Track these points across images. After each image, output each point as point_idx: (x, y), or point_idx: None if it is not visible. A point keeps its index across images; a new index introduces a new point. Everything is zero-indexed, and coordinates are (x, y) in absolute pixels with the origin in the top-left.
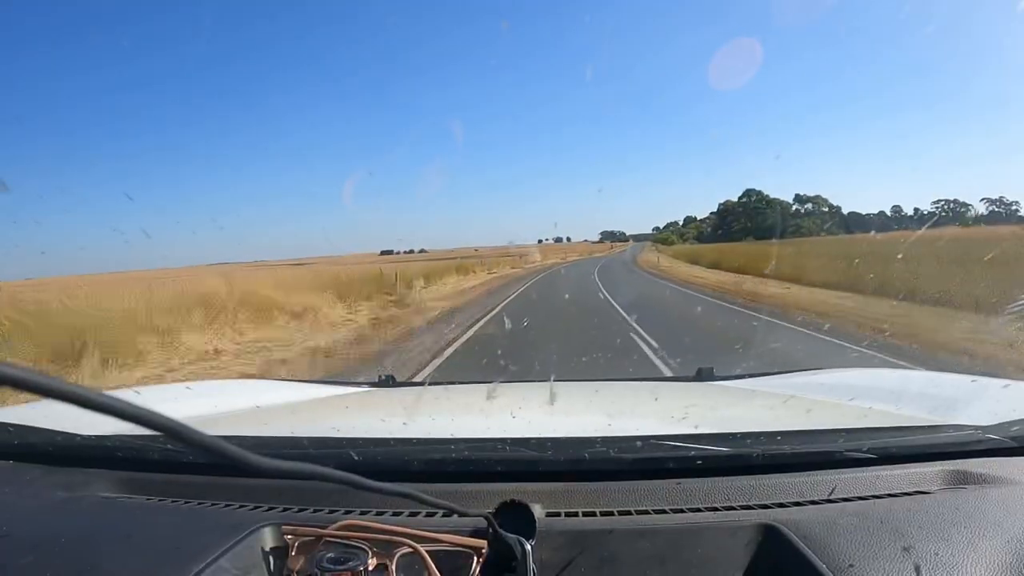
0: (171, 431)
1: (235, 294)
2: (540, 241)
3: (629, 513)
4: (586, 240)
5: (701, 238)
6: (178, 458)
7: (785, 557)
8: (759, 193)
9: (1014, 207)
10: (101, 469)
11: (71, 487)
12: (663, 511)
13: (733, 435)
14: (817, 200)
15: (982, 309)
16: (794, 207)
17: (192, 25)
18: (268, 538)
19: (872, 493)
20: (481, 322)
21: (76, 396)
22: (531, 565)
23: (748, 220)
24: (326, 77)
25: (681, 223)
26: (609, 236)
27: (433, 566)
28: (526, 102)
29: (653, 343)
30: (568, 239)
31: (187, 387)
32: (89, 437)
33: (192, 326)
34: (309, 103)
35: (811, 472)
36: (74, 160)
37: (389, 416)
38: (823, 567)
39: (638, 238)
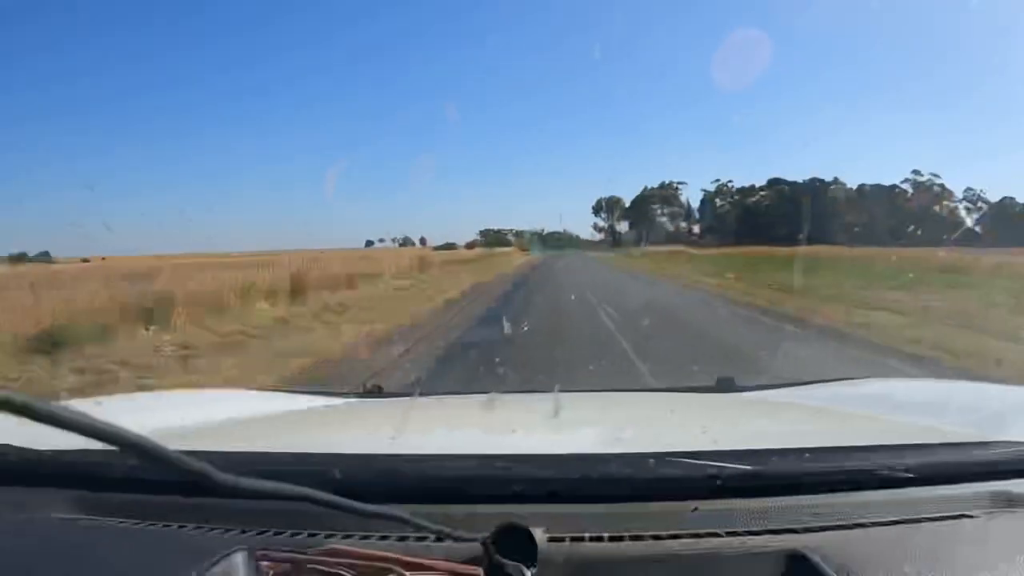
0: (132, 445)
1: None
2: (381, 240)
3: (641, 538)
4: (456, 243)
5: (690, 241)
6: (142, 476)
7: None
8: (792, 183)
9: (983, 198)
10: (58, 488)
11: (25, 507)
12: (678, 536)
13: (756, 452)
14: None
15: None
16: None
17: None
18: (240, 564)
19: (911, 516)
20: None
21: (28, 408)
22: None
23: (785, 220)
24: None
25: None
26: (492, 237)
27: None
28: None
29: None
30: (423, 241)
31: (156, 397)
32: (45, 452)
33: None
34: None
35: (842, 493)
36: None
37: (376, 430)
38: None
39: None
